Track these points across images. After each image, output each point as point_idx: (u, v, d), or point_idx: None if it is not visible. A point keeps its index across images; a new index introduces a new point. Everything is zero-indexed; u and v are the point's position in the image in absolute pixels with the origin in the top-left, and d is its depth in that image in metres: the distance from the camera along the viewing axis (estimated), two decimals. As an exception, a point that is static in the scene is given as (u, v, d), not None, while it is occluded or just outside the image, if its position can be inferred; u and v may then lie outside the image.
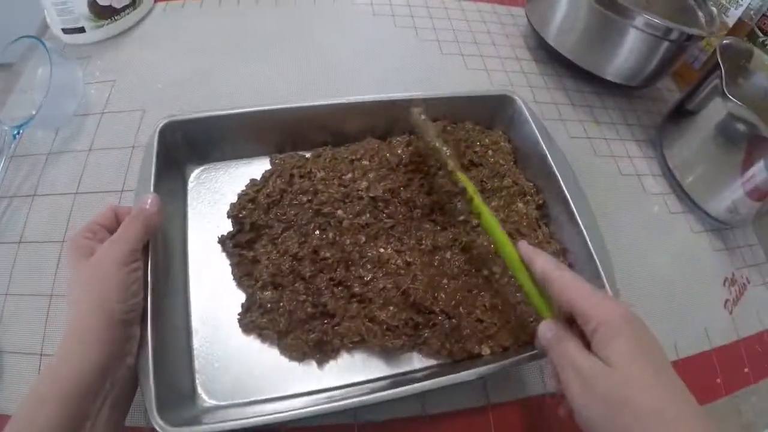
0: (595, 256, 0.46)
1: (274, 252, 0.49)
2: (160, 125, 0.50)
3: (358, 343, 0.46)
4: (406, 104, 0.54)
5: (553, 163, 0.52)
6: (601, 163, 0.65)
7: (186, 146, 0.53)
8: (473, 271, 0.49)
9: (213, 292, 0.49)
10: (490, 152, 0.56)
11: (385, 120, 0.57)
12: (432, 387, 0.40)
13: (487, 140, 0.57)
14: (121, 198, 0.55)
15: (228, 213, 0.52)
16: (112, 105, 0.62)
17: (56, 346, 0.36)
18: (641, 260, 0.58)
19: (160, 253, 0.44)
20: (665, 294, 0.57)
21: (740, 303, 0.60)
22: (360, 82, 0.68)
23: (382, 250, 0.49)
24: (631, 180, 0.66)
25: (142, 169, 0.48)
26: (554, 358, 0.35)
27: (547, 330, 0.37)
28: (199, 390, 0.44)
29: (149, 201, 0.43)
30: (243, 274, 0.49)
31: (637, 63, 0.67)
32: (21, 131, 0.56)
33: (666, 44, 0.64)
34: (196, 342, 0.46)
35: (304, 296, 0.47)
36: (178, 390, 0.42)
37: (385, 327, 0.46)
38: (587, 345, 0.34)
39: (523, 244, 0.40)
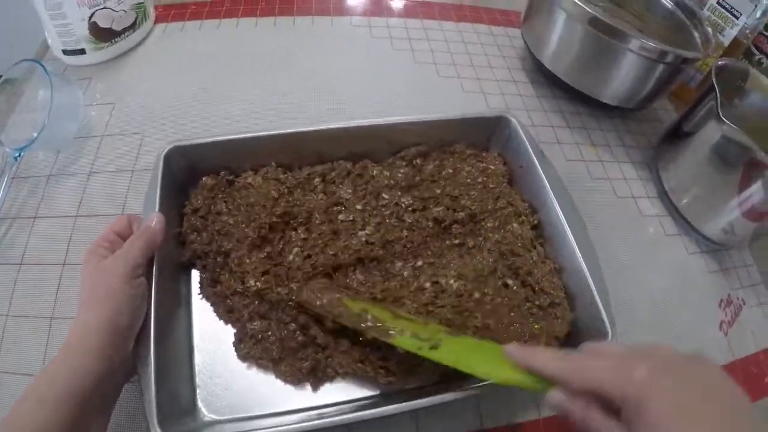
0: (588, 277, 0.47)
1: (236, 282, 0.49)
2: (165, 150, 0.51)
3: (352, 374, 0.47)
4: (403, 128, 0.55)
5: (548, 183, 0.53)
6: (597, 186, 0.66)
7: (189, 170, 0.53)
8: (465, 295, 0.49)
9: (214, 313, 0.50)
10: (481, 177, 0.57)
11: (383, 143, 0.58)
12: (424, 405, 0.41)
13: (481, 165, 0.57)
14: (121, 221, 0.55)
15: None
16: (112, 128, 0.63)
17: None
18: (637, 282, 0.59)
19: (163, 272, 0.45)
20: (661, 315, 0.57)
21: (736, 324, 0.60)
22: (358, 105, 0.69)
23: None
24: (627, 202, 0.66)
25: (147, 193, 0.49)
26: (580, 423, 0.31)
27: (560, 399, 0.32)
28: (200, 404, 0.45)
29: (154, 219, 0.45)
30: (224, 311, 0.49)
31: (632, 85, 0.67)
32: (22, 153, 0.57)
33: (662, 66, 0.64)
34: (198, 358, 0.47)
35: (294, 324, 0.47)
36: (179, 403, 0.43)
37: (378, 366, 0.46)
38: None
39: (512, 349, 0.36)
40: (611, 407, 0.29)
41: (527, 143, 0.55)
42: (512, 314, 0.49)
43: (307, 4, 0.83)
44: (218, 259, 0.50)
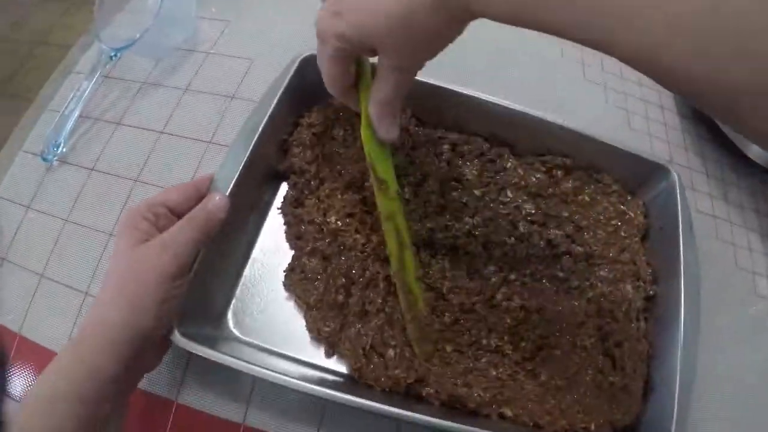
0: (677, 388, 0.40)
1: (318, 212, 0.46)
2: (305, 55, 0.47)
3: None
4: (553, 129, 0.48)
5: (682, 261, 0.44)
6: (719, 249, 0.58)
7: (318, 88, 0.48)
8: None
9: (284, 233, 0.48)
10: (615, 220, 0.50)
11: (528, 138, 0.51)
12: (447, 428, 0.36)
13: (621, 207, 0.50)
14: (207, 150, 0.51)
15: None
16: (221, 47, 0.57)
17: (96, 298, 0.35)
18: (727, 364, 0.51)
19: (252, 172, 0.43)
20: (741, 400, 0.50)
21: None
22: (519, 94, 0.55)
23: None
24: (745, 276, 0.57)
25: (269, 90, 0.46)
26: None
27: None
28: (229, 315, 0.44)
29: (216, 204, 0.38)
30: (294, 236, 0.46)
31: (788, 149, 0.59)
32: (119, 54, 0.52)
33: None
34: (248, 271, 0.46)
35: (343, 280, 0.43)
36: (209, 307, 0.42)
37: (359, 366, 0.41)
38: None
39: None
40: None
41: (679, 207, 0.47)
42: (577, 375, 0.43)
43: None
44: (312, 183, 0.47)
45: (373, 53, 0.32)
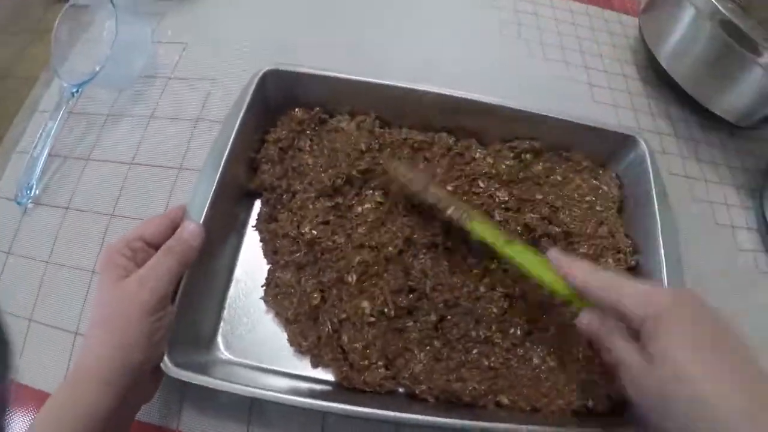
0: None
1: (291, 225, 0.46)
2: (263, 71, 0.47)
3: None
4: (516, 116, 0.49)
5: (660, 229, 0.45)
6: (697, 210, 0.59)
7: (284, 98, 0.50)
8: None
9: (262, 250, 0.48)
10: (590, 195, 0.50)
11: (494, 126, 0.51)
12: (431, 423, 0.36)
13: (594, 182, 0.51)
14: (178, 176, 0.51)
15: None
16: (181, 71, 0.57)
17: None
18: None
19: (226, 192, 0.44)
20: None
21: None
22: (449, 71, 0.59)
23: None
24: (725, 231, 0.59)
25: (231, 111, 0.46)
26: (602, 347, 0.34)
27: (590, 319, 0.35)
28: (219, 339, 0.44)
29: (191, 232, 0.39)
30: (271, 251, 0.47)
31: (752, 103, 0.59)
32: (80, 90, 0.52)
33: (790, 90, 0.56)
34: (233, 291, 0.46)
35: (312, 281, 0.44)
36: (198, 333, 0.42)
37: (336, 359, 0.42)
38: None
39: (553, 253, 0.38)
40: (633, 335, 0.32)
41: (651, 176, 0.47)
42: (568, 354, 0.44)
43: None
44: (284, 197, 0.48)
45: None
